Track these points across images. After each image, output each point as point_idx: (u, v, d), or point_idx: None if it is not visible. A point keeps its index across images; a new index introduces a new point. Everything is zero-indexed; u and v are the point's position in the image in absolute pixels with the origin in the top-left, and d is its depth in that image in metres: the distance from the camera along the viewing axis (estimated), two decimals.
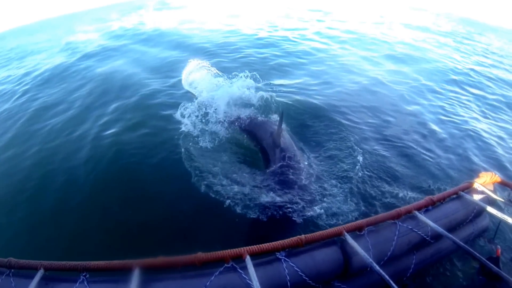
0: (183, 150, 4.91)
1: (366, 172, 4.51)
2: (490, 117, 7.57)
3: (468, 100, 8.33)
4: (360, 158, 4.80)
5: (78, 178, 4.69)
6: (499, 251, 3.09)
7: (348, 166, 4.63)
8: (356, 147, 5.13)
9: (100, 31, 18.68)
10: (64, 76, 10.05)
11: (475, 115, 7.50)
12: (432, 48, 13.39)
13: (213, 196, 3.89)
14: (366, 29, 15.80)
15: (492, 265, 2.18)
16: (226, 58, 10.22)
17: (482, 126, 6.93)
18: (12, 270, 2.09)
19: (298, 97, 7.08)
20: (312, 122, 6.03)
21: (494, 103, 8.49)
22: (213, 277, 1.96)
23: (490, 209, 2.89)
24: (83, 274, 2.04)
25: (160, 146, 5.23)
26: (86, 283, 2.02)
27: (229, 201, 3.74)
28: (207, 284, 1.94)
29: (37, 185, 4.67)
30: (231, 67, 8.89)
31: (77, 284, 2.02)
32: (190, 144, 5.07)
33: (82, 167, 4.88)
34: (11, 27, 37.85)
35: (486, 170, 3.71)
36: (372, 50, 12.06)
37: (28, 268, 2.10)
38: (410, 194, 4.12)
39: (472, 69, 11.16)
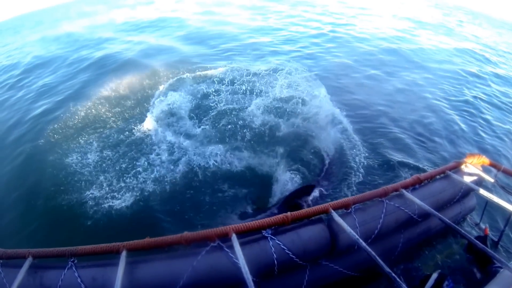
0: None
1: (352, 152, 4.57)
2: (477, 95, 7.69)
3: (461, 80, 8.45)
4: (346, 138, 4.88)
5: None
6: (487, 229, 3.13)
7: (334, 145, 4.71)
8: (342, 126, 5.19)
9: (89, 23, 18.43)
10: None
11: (466, 93, 7.60)
12: (423, 33, 13.57)
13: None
14: (357, 16, 15.88)
15: (478, 242, 2.20)
16: (215, 48, 10.19)
17: (473, 105, 7.02)
18: (1, 261, 2.07)
19: (287, 82, 7.12)
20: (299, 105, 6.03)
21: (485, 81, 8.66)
22: (199, 257, 1.96)
23: (477, 189, 2.91)
24: (71, 260, 2.03)
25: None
26: (74, 269, 2.01)
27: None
28: (194, 264, 1.94)
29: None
30: (223, 57, 8.92)
31: (66, 270, 2.02)
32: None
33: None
34: None
35: (473, 151, 3.74)
36: (362, 32, 12.17)
37: (16, 258, 2.08)
38: (398, 172, 4.16)
39: (462, 50, 11.31)
